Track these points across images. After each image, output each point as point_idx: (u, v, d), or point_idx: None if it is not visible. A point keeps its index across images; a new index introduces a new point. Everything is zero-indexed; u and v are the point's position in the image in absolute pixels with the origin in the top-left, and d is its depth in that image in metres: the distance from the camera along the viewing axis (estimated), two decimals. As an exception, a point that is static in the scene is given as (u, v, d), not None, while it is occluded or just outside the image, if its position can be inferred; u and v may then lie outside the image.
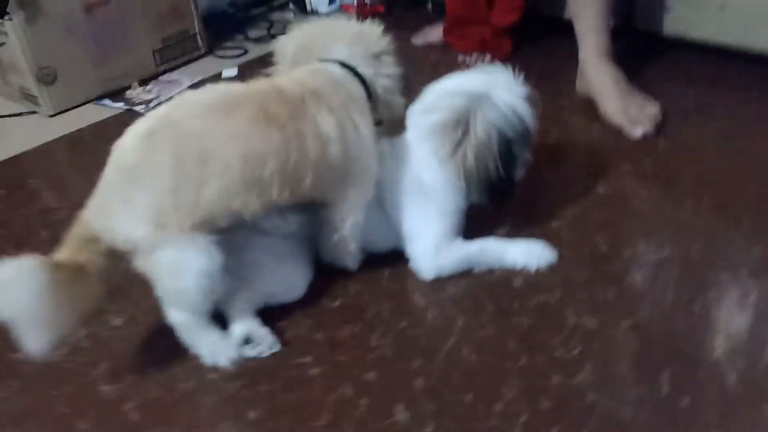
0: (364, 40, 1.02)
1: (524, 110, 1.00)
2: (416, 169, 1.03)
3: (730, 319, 0.95)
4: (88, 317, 0.92)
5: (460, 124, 0.99)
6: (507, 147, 0.99)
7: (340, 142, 0.94)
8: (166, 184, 0.86)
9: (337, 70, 0.99)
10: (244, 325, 0.96)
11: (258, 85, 0.96)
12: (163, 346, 0.99)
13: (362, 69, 1.00)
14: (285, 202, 0.93)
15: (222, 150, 0.87)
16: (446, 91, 1.04)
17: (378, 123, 1.01)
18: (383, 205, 1.05)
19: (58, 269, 0.84)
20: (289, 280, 1.02)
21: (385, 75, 1.01)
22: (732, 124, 1.35)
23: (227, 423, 0.87)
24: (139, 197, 0.86)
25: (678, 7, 1.51)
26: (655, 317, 0.96)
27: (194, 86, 1.72)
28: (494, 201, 1.04)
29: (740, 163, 1.24)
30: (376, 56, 1.01)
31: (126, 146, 0.89)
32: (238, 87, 0.94)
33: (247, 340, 0.96)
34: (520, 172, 1.06)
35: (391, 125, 1.05)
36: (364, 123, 0.97)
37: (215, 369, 0.94)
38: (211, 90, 0.93)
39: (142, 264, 0.89)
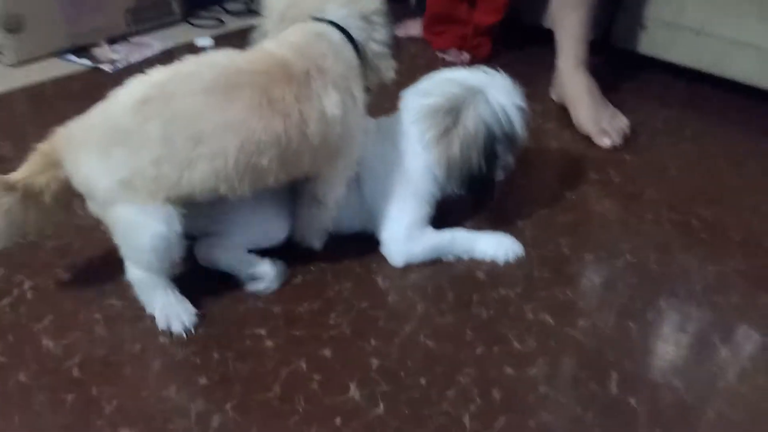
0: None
1: (515, 115, 1.01)
2: (400, 152, 1.03)
3: (681, 329, 0.97)
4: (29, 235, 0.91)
5: (452, 112, 1.00)
6: (491, 145, 1.00)
7: (342, 121, 0.91)
8: (149, 156, 0.82)
9: (336, 35, 0.95)
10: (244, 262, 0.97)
11: (261, 58, 0.89)
12: (112, 305, 0.96)
13: (355, 33, 0.96)
14: (278, 184, 0.91)
15: (218, 135, 0.83)
16: (445, 79, 1.04)
17: (366, 90, 0.99)
18: (359, 185, 1.04)
19: (10, 189, 0.83)
20: (264, 228, 1.00)
21: (377, 39, 0.98)
22: (698, 147, 1.39)
23: (173, 387, 0.84)
24: (117, 156, 0.83)
25: (655, 29, 1.55)
26: (610, 320, 0.97)
27: (165, 53, 1.68)
28: (472, 196, 1.04)
29: (702, 185, 1.28)
30: (368, 18, 0.97)
31: (120, 103, 0.85)
32: (241, 60, 0.89)
33: (251, 277, 0.96)
34: (500, 175, 1.06)
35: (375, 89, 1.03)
36: (359, 95, 0.95)
37: (165, 333, 0.92)
38: (211, 62, 0.88)
39: (96, 210, 0.86)
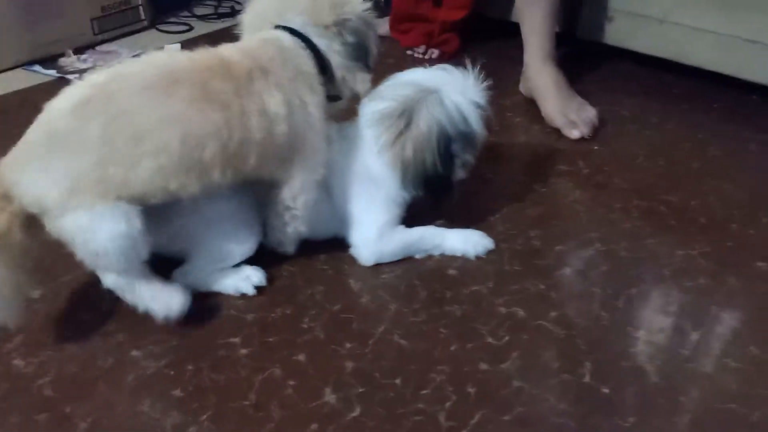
0: (319, 7, 0.97)
1: (471, 113, 1.01)
2: (363, 157, 1.03)
3: (651, 315, 0.98)
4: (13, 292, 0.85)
5: (404, 115, 1.00)
6: (446, 144, 1.00)
7: (287, 120, 0.91)
8: (90, 158, 0.82)
9: (288, 40, 0.95)
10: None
11: (204, 57, 0.91)
12: (83, 321, 0.95)
13: (316, 41, 0.97)
14: (228, 182, 0.91)
15: (158, 131, 0.83)
16: (399, 82, 1.04)
17: (334, 98, 1.00)
18: (328, 190, 1.04)
19: None
20: (229, 244, 0.99)
21: (339, 50, 0.98)
22: (663, 134, 1.41)
23: (147, 401, 0.84)
24: (59, 164, 0.82)
25: (619, 19, 1.56)
26: (581, 310, 0.98)
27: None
28: (432, 197, 1.04)
29: (669, 170, 1.29)
30: (335, 25, 0.97)
31: (57, 109, 0.84)
32: (182, 59, 0.90)
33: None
34: (460, 173, 1.07)
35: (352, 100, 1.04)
36: (312, 100, 0.95)
37: (138, 346, 0.91)
38: (153, 62, 0.89)
39: (52, 228, 0.85)
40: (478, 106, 1.02)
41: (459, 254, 1.07)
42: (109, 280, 0.90)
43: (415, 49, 1.70)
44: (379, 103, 1.02)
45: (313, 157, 0.97)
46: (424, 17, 1.69)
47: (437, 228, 1.09)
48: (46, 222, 0.85)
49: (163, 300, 0.91)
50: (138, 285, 0.90)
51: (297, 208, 0.99)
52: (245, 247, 1.00)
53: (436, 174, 1.00)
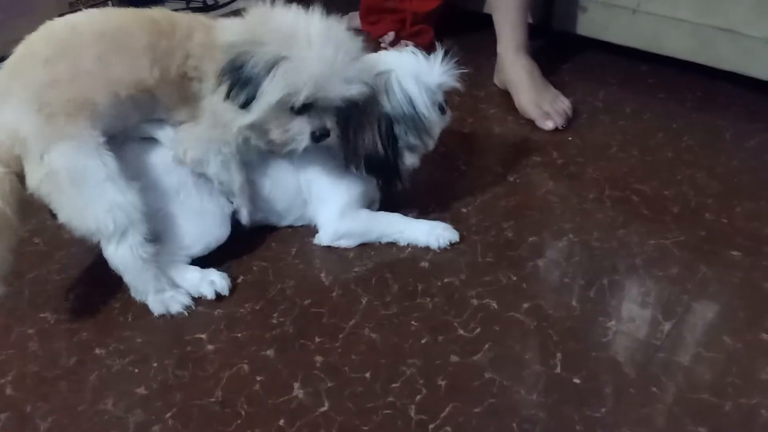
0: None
1: (419, 97, 0.99)
2: None
3: (623, 305, 0.98)
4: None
5: None
6: (388, 125, 0.99)
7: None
8: (41, 57, 0.87)
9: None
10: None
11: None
12: (46, 319, 0.93)
13: None
14: (155, 86, 0.91)
15: (96, 25, 0.91)
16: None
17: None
18: (297, 172, 1.04)
19: None
20: (203, 225, 0.99)
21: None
22: (637, 124, 1.40)
23: (110, 400, 0.82)
24: (17, 85, 0.87)
25: (593, 9, 1.56)
26: (553, 301, 0.98)
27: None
28: (377, 179, 1.03)
29: (642, 160, 1.29)
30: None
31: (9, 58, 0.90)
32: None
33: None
34: (409, 159, 1.05)
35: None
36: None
37: (101, 344, 0.90)
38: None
39: (37, 177, 0.85)
40: (433, 90, 1.00)
41: (421, 245, 1.06)
42: (116, 253, 0.90)
43: (385, 38, 1.68)
44: None
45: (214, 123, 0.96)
46: (393, 9, 1.67)
47: (402, 216, 1.08)
48: (29, 174, 0.86)
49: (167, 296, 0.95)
50: (146, 272, 0.92)
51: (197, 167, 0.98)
52: (211, 236, 0.99)
53: (378, 155, 0.99)
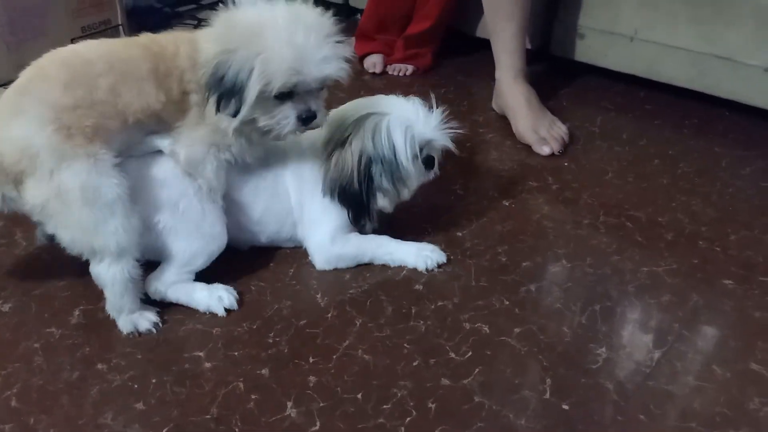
0: None
1: (402, 146, 1.02)
2: (313, 158, 1.07)
3: (614, 332, 1.00)
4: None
5: (347, 127, 1.04)
6: (367, 164, 1.02)
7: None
8: (59, 82, 0.90)
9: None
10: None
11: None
12: (52, 333, 0.96)
13: None
14: (162, 108, 0.95)
15: (105, 55, 0.94)
16: (363, 101, 1.08)
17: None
18: (289, 193, 1.07)
19: None
20: (205, 235, 1.01)
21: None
22: (633, 150, 1.42)
23: (110, 414, 0.85)
24: (32, 103, 0.90)
25: (591, 36, 1.59)
26: (545, 326, 1.00)
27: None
28: (348, 210, 1.06)
29: (638, 187, 1.31)
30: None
31: (12, 85, 0.93)
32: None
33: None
34: (381, 202, 1.07)
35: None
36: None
37: (103, 359, 0.92)
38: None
39: (39, 192, 0.88)
40: (417, 141, 1.03)
41: (410, 266, 1.09)
42: (102, 270, 0.93)
43: (369, 66, 1.70)
44: (337, 113, 1.07)
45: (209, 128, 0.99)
46: (389, 31, 1.71)
47: (391, 239, 1.10)
48: (31, 187, 0.89)
49: (137, 318, 0.97)
50: (129, 292, 0.95)
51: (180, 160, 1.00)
52: (213, 245, 1.02)
53: (352, 187, 1.03)
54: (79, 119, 0.89)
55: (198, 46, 0.96)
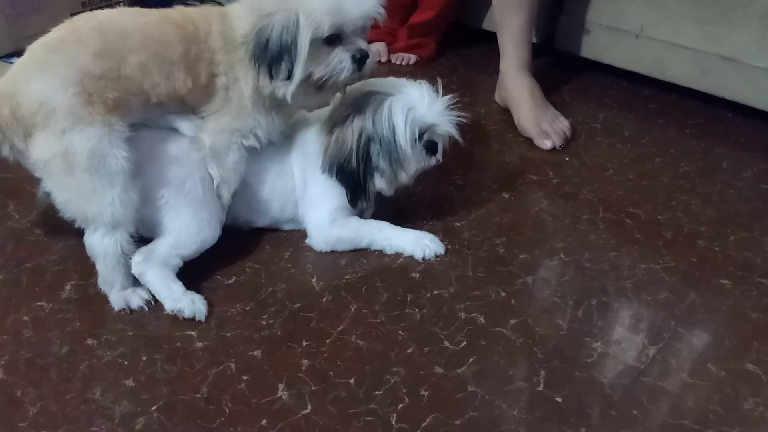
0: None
1: (402, 128, 1.01)
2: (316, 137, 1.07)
3: (609, 327, 0.99)
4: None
5: (350, 106, 1.03)
6: (366, 142, 1.02)
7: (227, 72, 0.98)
8: (91, 49, 0.90)
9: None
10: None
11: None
12: (42, 307, 0.95)
13: None
14: (187, 93, 0.95)
15: (141, 31, 0.93)
16: (372, 80, 1.06)
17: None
18: (293, 171, 1.07)
19: None
20: (198, 225, 1.00)
21: None
22: (635, 148, 1.42)
23: (98, 390, 0.84)
24: (60, 62, 0.89)
25: (597, 32, 1.58)
26: (541, 319, 0.99)
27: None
28: (345, 188, 1.05)
29: (638, 184, 1.30)
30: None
31: (44, 37, 0.92)
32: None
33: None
34: (378, 183, 1.06)
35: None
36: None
37: (93, 335, 0.91)
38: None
39: (52, 151, 0.88)
40: (418, 124, 1.02)
41: (407, 254, 1.08)
42: (95, 240, 0.92)
43: (376, 51, 1.69)
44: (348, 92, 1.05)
45: (236, 116, 1.00)
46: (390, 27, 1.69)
47: (390, 225, 1.10)
48: (38, 138, 0.89)
49: (128, 295, 0.96)
50: (121, 268, 0.94)
51: (208, 154, 1.01)
52: (207, 233, 1.00)
53: (350, 164, 1.02)
54: (102, 89, 0.89)
55: (231, 23, 0.96)
